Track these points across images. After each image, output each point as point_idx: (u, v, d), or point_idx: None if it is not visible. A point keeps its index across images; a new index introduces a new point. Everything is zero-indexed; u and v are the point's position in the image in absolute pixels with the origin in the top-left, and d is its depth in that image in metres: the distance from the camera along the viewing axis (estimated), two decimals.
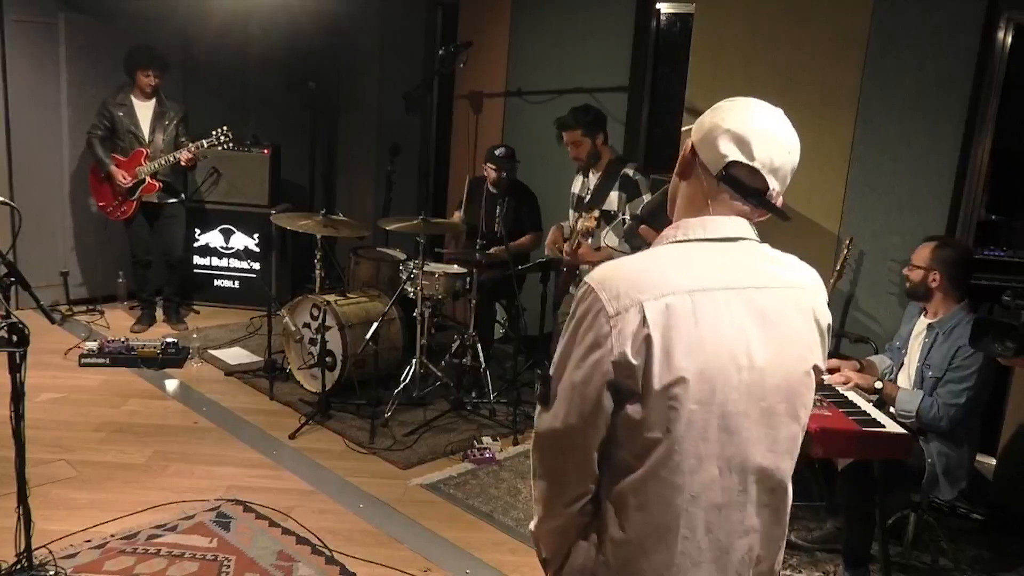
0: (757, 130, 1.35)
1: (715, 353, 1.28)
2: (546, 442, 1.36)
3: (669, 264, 1.33)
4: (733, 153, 1.34)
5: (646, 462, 1.30)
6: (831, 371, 3.25)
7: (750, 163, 1.35)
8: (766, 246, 1.41)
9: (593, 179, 4.45)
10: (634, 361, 1.25)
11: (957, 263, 3.17)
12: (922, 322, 3.29)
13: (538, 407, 1.37)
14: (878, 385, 3.21)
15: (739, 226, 1.38)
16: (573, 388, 1.30)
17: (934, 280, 3.17)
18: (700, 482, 1.31)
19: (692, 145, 1.40)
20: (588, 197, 4.43)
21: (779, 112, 1.40)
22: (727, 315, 1.29)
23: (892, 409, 3.20)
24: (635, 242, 1.71)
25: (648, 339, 1.25)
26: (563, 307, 4.52)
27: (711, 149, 1.36)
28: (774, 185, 1.37)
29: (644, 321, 1.25)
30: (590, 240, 4.38)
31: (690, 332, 1.26)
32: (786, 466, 1.40)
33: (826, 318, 1.42)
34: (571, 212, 4.65)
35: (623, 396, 1.28)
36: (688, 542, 1.32)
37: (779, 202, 1.40)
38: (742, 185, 1.35)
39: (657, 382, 1.26)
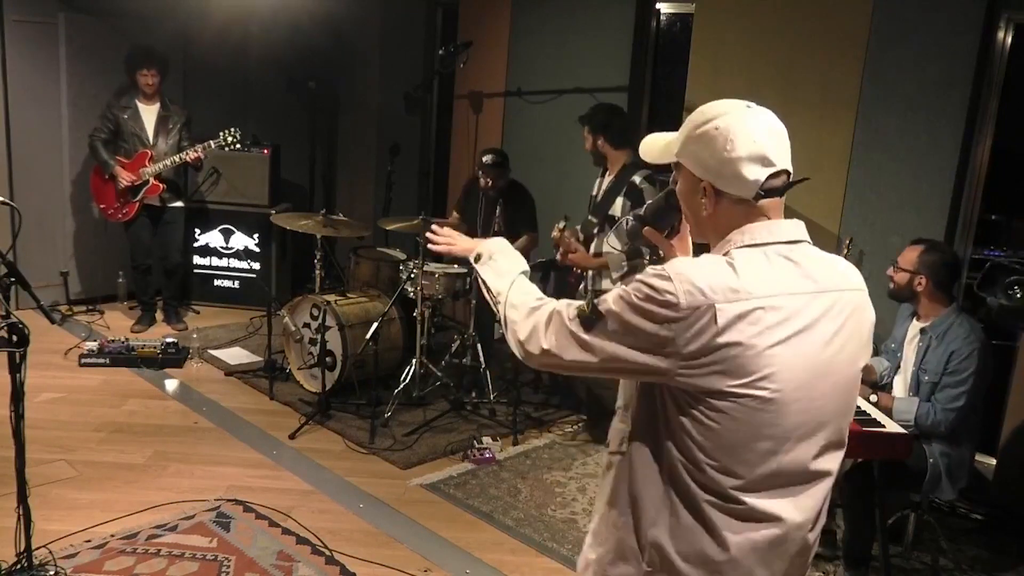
0: (763, 138, 1.38)
1: (792, 357, 1.32)
2: (571, 342, 1.40)
3: (742, 268, 1.35)
4: (760, 173, 1.38)
5: (710, 453, 1.34)
6: None
7: (776, 169, 1.40)
8: (816, 248, 1.46)
9: (606, 181, 4.42)
10: (700, 358, 1.30)
11: (943, 267, 3.15)
12: (915, 326, 3.28)
13: (569, 314, 1.40)
14: (873, 399, 3.20)
15: (797, 228, 1.43)
16: (614, 353, 1.35)
17: (919, 284, 3.16)
18: (761, 474, 1.36)
19: (711, 187, 1.41)
20: (599, 198, 4.40)
21: (754, 105, 1.43)
22: (796, 319, 1.34)
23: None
24: (637, 242, 1.70)
25: (719, 339, 1.29)
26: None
27: (737, 181, 1.39)
28: (790, 167, 1.43)
29: (715, 321, 1.29)
30: (591, 246, 4.35)
31: (761, 338, 1.30)
32: (833, 457, 1.45)
33: (872, 323, 1.49)
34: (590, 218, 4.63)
35: (686, 388, 1.33)
36: (749, 531, 1.38)
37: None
38: (779, 189, 1.41)
39: (736, 378, 1.30)
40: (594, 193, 4.55)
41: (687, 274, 1.31)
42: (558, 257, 4.36)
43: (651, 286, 1.32)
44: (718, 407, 1.31)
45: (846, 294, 1.42)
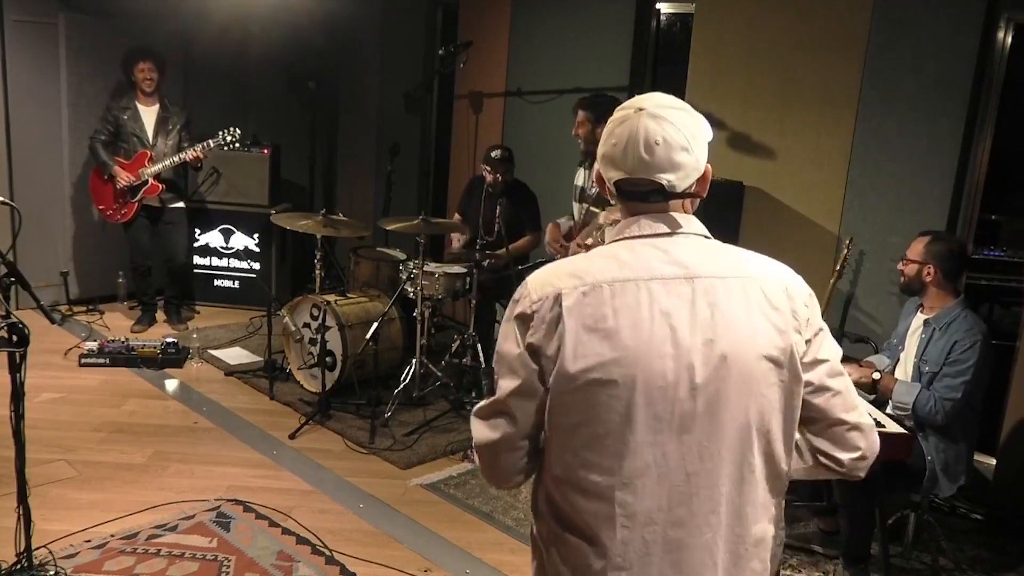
0: (616, 144, 1.40)
1: (633, 340, 1.30)
2: (489, 417, 1.42)
3: (600, 259, 1.39)
4: (613, 174, 1.43)
5: (571, 447, 1.34)
6: None
7: (629, 175, 1.40)
8: (715, 241, 1.43)
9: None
10: (548, 348, 1.32)
11: (950, 257, 3.18)
12: (919, 318, 3.30)
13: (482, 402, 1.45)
14: (876, 376, 3.22)
15: (679, 221, 1.41)
16: (511, 370, 1.37)
17: (928, 274, 3.18)
18: (630, 468, 1.32)
19: (598, 172, 1.49)
20: (593, 189, 4.40)
21: (649, 104, 1.40)
22: (647, 303, 1.32)
23: (889, 407, 3.21)
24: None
25: (562, 325, 1.31)
26: None
27: (603, 175, 1.46)
28: (663, 177, 1.38)
29: (560, 308, 1.32)
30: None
31: (606, 319, 1.31)
32: (738, 463, 1.35)
33: (776, 307, 1.35)
34: (575, 205, 4.59)
35: (547, 383, 1.34)
36: (627, 531, 1.33)
37: (703, 176, 1.42)
38: (636, 193, 1.41)
39: (571, 366, 1.31)
40: (580, 183, 4.56)
41: (539, 274, 1.40)
42: (579, 243, 4.29)
43: (512, 301, 1.40)
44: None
45: (730, 280, 1.35)
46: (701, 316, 1.32)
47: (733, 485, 1.35)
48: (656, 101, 1.41)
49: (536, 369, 1.34)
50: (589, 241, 4.32)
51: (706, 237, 1.42)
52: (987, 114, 3.84)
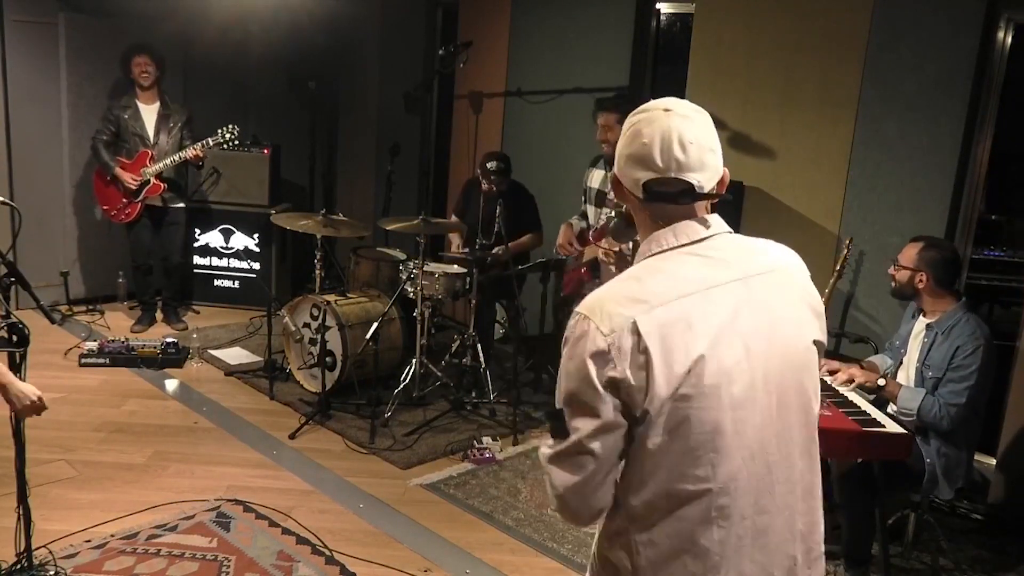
0: (651, 142, 1.38)
1: (711, 352, 1.31)
2: (568, 463, 1.35)
3: (651, 277, 1.37)
4: (643, 174, 1.39)
5: (661, 464, 1.33)
6: (831, 372, 3.25)
7: (660, 175, 1.38)
8: (738, 236, 1.45)
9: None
10: (635, 378, 1.29)
11: (943, 264, 3.16)
12: (921, 322, 3.29)
13: (551, 445, 1.38)
14: (881, 382, 3.20)
15: (707, 224, 1.41)
16: (590, 413, 1.31)
17: (920, 281, 3.17)
18: (725, 474, 1.34)
19: (615, 177, 1.47)
20: (611, 192, 4.36)
21: (674, 111, 1.40)
22: (715, 312, 1.33)
23: (892, 408, 3.21)
24: (623, 239, 1.72)
25: (646, 350, 1.28)
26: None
27: (627, 178, 1.43)
28: (694, 177, 1.38)
29: (639, 334, 1.28)
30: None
31: (685, 336, 1.30)
32: (806, 441, 1.44)
33: (810, 292, 1.47)
34: (590, 208, 4.53)
35: (635, 412, 1.31)
36: (724, 531, 1.35)
37: (722, 179, 1.43)
38: (667, 195, 1.39)
39: (664, 390, 1.29)
40: (596, 186, 4.50)
41: (596, 305, 1.33)
42: (604, 247, 4.23)
43: (574, 339, 1.33)
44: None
45: (770, 274, 1.41)
46: (760, 314, 1.37)
47: (805, 464, 1.43)
48: (679, 103, 1.42)
49: (618, 403, 1.31)
50: (617, 249, 4.24)
51: (731, 232, 1.44)
52: (987, 114, 3.84)
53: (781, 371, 1.38)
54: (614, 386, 1.29)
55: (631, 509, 1.37)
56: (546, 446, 1.39)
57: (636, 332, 1.29)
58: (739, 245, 1.43)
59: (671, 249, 1.39)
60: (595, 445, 1.32)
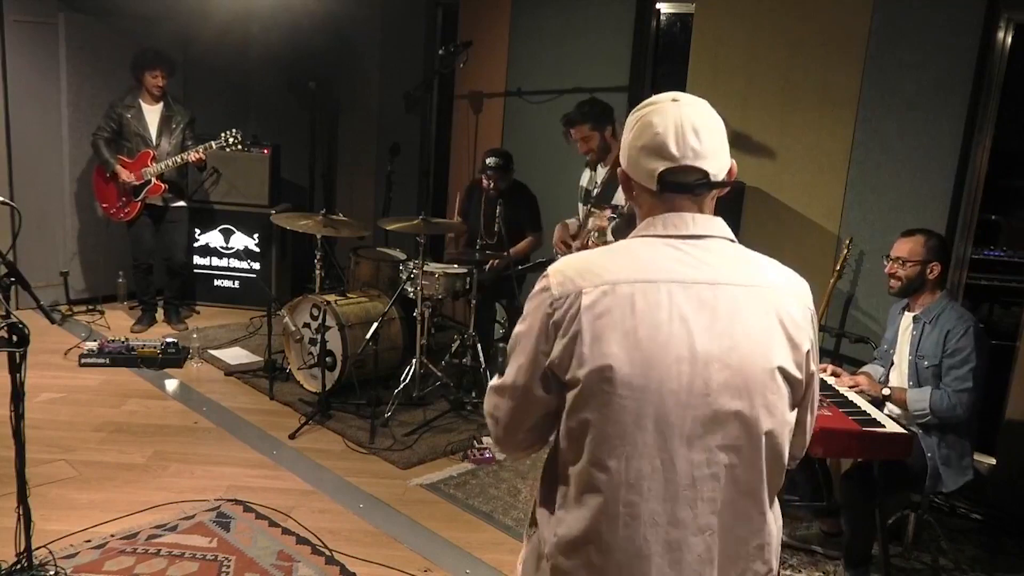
0: (665, 131, 1.37)
1: (649, 342, 1.30)
2: (495, 397, 1.47)
3: (621, 256, 1.38)
4: (658, 164, 1.37)
5: (584, 444, 1.35)
6: (834, 375, 3.28)
7: (677, 164, 1.37)
8: (739, 247, 1.42)
9: (602, 172, 4.36)
10: (565, 346, 1.33)
11: (945, 249, 3.23)
12: (907, 317, 3.30)
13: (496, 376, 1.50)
14: (886, 392, 3.21)
15: (706, 224, 1.39)
16: (520, 364, 1.40)
17: (932, 271, 3.18)
18: (636, 470, 1.32)
19: (623, 172, 1.46)
20: (596, 191, 4.38)
21: (682, 101, 1.41)
22: (667, 306, 1.31)
23: (890, 410, 3.21)
24: (622, 235, 1.74)
25: (579, 323, 1.32)
26: None
27: (639, 170, 1.41)
28: (709, 166, 1.38)
29: (579, 307, 1.32)
30: (609, 238, 4.30)
31: (624, 320, 1.31)
32: (747, 465, 1.35)
33: (794, 320, 1.38)
34: (579, 206, 4.58)
35: (562, 380, 1.36)
36: (630, 529, 1.33)
37: (731, 170, 1.43)
38: (683, 185, 1.38)
39: (587, 365, 1.31)
40: (584, 184, 4.53)
41: (560, 266, 1.39)
42: (577, 247, 4.27)
43: (534, 292, 1.40)
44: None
45: (751, 289, 1.36)
46: (720, 323, 1.33)
47: (737, 489, 1.36)
48: (683, 95, 1.42)
49: (549, 360, 1.36)
50: (576, 244, 4.31)
51: (731, 241, 1.41)
52: (987, 114, 3.84)
53: (730, 388, 1.32)
54: (549, 345, 1.35)
55: (559, 481, 1.42)
56: (494, 378, 1.50)
57: (578, 302, 1.32)
58: (731, 254, 1.39)
59: (654, 236, 1.39)
60: (520, 393, 1.40)
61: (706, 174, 1.38)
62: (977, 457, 3.74)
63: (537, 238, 5.17)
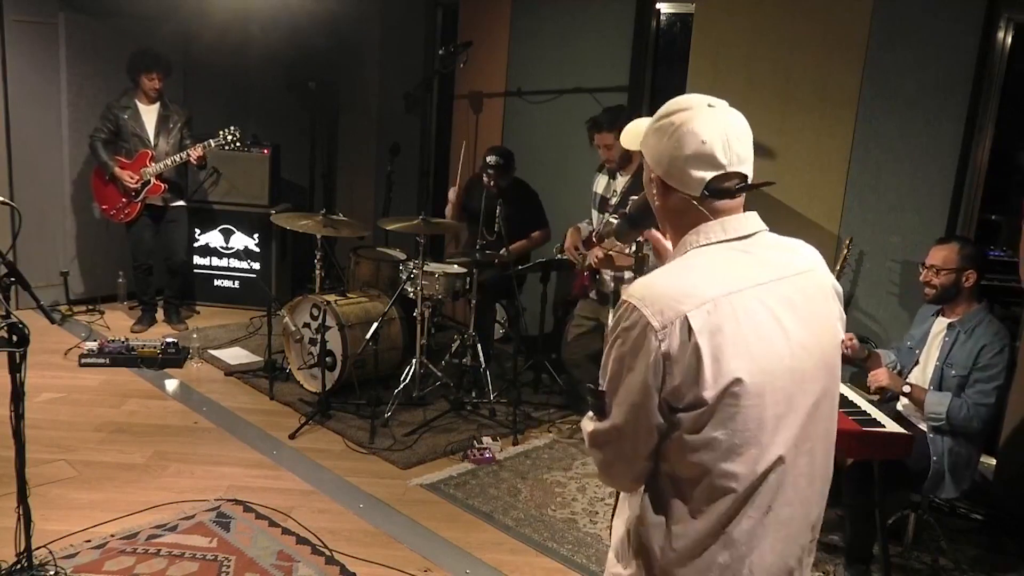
0: (712, 140, 1.38)
1: (760, 348, 1.34)
2: (603, 442, 1.42)
3: (700, 272, 1.38)
4: (706, 173, 1.39)
5: (706, 458, 1.34)
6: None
7: (722, 172, 1.40)
8: (774, 235, 1.48)
9: (622, 181, 4.28)
10: (683, 374, 1.30)
11: (981, 257, 3.21)
12: (941, 322, 3.27)
13: (591, 418, 1.44)
14: (906, 388, 3.19)
15: (752, 221, 1.44)
16: (631, 404, 1.35)
17: (967, 280, 3.16)
18: (763, 469, 1.37)
19: (660, 180, 1.44)
20: (615, 199, 4.33)
21: (717, 107, 1.43)
22: (762, 310, 1.36)
23: (900, 405, 3.21)
24: (627, 240, 1.74)
25: (697, 348, 1.29)
26: (581, 310, 4.46)
27: (683, 179, 1.41)
28: (747, 170, 1.44)
29: (690, 331, 1.30)
30: (628, 249, 4.23)
31: (735, 333, 1.32)
32: (831, 435, 1.49)
33: (838, 290, 1.52)
34: (594, 213, 4.49)
35: (679, 406, 1.33)
36: (753, 521, 1.38)
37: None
38: (728, 190, 1.41)
39: (712, 387, 1.30)
40: (601, 191, 4.46)
41: (645, 294, 1.34)
42: (597, 258, 4.20)
43: (625, 326, 1.34)
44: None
45: (807, 275, 1.46)
46: (799, 313, 1.40)
47: (825, 459, 1.48)
48: (714, 99, 1.44)
49: (660, 395, 1.33)
50: (599, 254, 4.20)
51: (768, 231, 1.46)
52: (987, 114, 3.84)
53: (817, 369, 1.42)
54: (660, 379, 1.32)
55: (671, 498, 1.40)
56: (588, 419, 1.44)
57: (688, 328, 1.29)
58: (777, 244, 1.47)
59: (719, 243, 1.41)
60: (631, 431, 1.37)
61: (745, 177, 1.43)
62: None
63: (545, 233, 5.15)
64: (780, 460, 1.37)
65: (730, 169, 1.40)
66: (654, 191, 1.47)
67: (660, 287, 1.35)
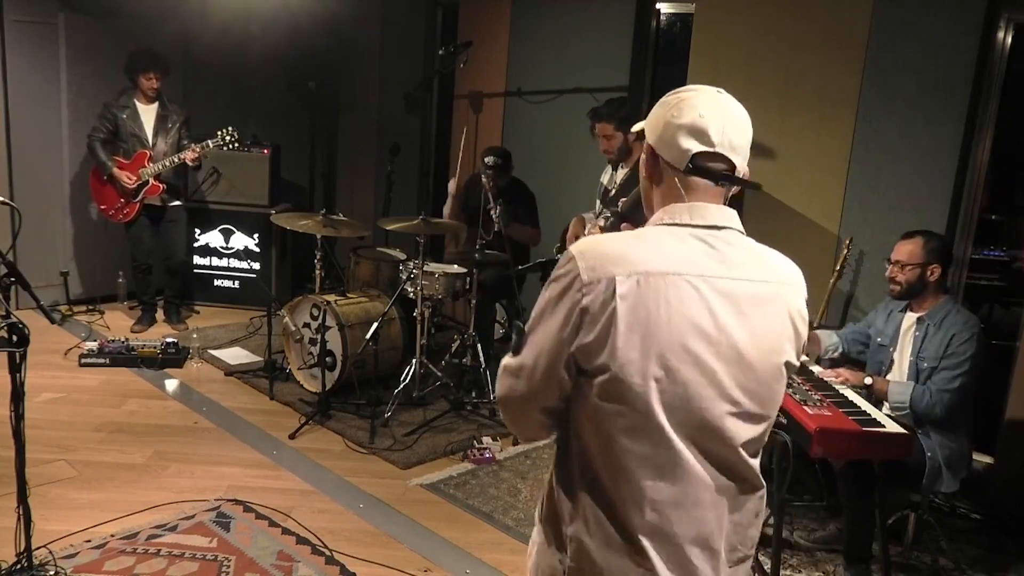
0: (709, 116, 1.39)
1: (681, 335, 1.31)
2: (508, 376, 1.44)
3: (649, 244, 1.37)
4: (694, 146, 1.39)
5: (608, 431, 1.34)
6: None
7: (712, 149, 1.39)
8: (750, 239, 1.44)
9: (621, 173, 4.35)
10: (595, 333, 1.30)
11: (946, 251, 3.23)
12: (910, 317, 3.30)
13: (510, 355, 1.45)
14: (868, 381, 3.23)
15: (725, 215, 1.42)
16: (541, 347, 1.36)
17: (932, 274, 3.18)
18: (665, 457, 1.34)
19: (651, 148, 1.45)
20: (614, 191, 4.37)
21: (724, 94, 1.45)
22: (697, 299, 1.33)
23: (885, 404, 3.22)
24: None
25: (614, 312, 1.29)
26: None
27: (671, 147, 1.41)
28: (738, 162, 1.42)
29: (613, 294, 1.30)
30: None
31: (658, 312, 1.30)
32: (747, 455, 1.41)
33: (803, 316, 1.45)
34: (597, 203, 4.54)
35: (587, 368, 1.33)
36: (657, 516, 1.36)
37: (745, 174, 1.45)
38: (711, 172, 1.40)
39: (619, 357, 1.30)
40: (605, 183, 4.49)
41: (586, 248, 1.35)
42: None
43: (558, 273, 1.36)
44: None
45: (769, 286, 1.39)
46: (742, 316, 1.36)
47: (742, 471, 1.41)
48: (721, 90, 1.44)
49: (572, 346, 1.33)
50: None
51: (742, 233, 1.44)
52: (987, 114, 3.84)
53: (748, 379, 1.36)
54: (574, 332, 1.32)
55: (578, 469, 1.40)
56: (506, 356, 1.45)
57: (613, 290, 1.30)
58: (747, 247, 1.42)
59: (682, 226, 1.39)
60: (533, 373, 1.37)
61: (734, 167, 1.41)
62: (976, 457, 3.74)
63: (536, 232, 5.16)
64: (683, 457, 1.35)
65: (719, 150, 1.39)
66: (644, 163, 1.48)
67: (602, 247, 1.35)
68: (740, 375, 1.36)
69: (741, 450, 1.39)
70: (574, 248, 1.36)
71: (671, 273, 1.32)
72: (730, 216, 1.42)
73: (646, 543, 1.36)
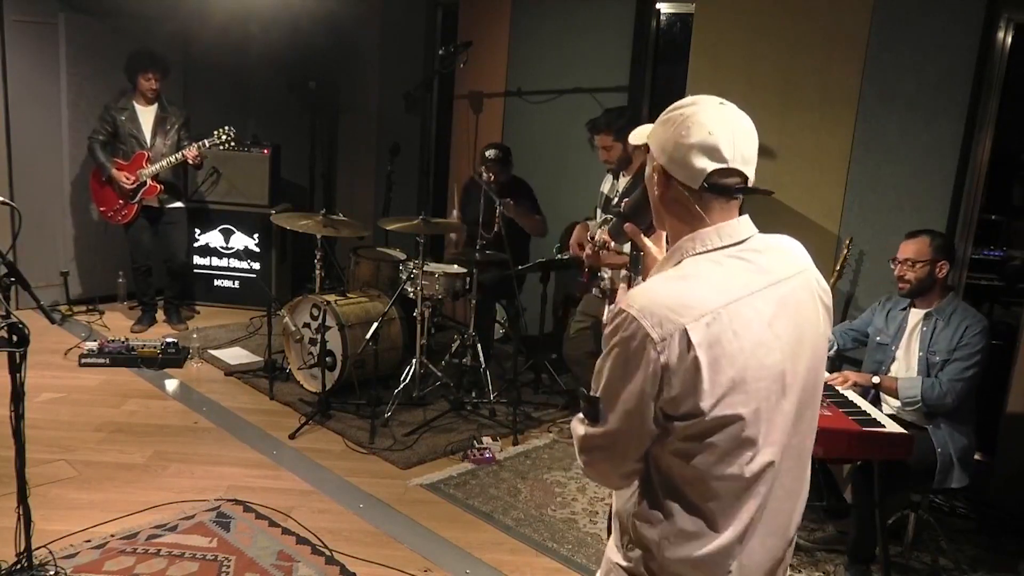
0: (719, 133, 1.39)
1: (755, 356, 1.35)
2: (595, 447, 1.43)
3: (697, 281, 1.38)
4: (707, 164, 1.39)
5: (700, 461, 1.36)
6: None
7: (726, 166, 1.40)
8: (764, 236, 1.49)
9: (623, 181, 4.30)
10: (681, 386, 1.31)
11: (951, 248, 3.28)
12: (916, 313, 3.31)
13: (583, 421, 1.44)
14: (875, 380, 3.24)
15: (745, 226, 1.45)
16: (627, 410, 1.36)
17: (941, 270, 3.21)
18: (759, 467, 1.39)
19: (663, 169, 1.44)
20: (616, 200, 4.34)
21: (728, 104, 1.45)
22: (756, 317, 1.37)
23: (884, 403, 3.21)
24: (620, 240, 1.75)
25: (696, 360, 1.30)
26: (584, 307, 4.46)
27: (684, 167, 1.41)
28: (750, 172, 1.44)
29: (689, 344, 1.30)
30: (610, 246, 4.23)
31: (732, 343, 1.33)
32: (815, 431, 1.52)
33: (825, 290, 1.53)
34: (598, 212, 4.53)
35: (675, 415, 1.34)
36: (744, 520, 1.41)
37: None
38: (727, 188, 1.42)
39: (709, 396, 1.31)
40: (606, 191, 4.46)
41: (643, 305, 1.33)
42: (587, 254, 4.21)
43: (623, 337, 1.34)
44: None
45: (797, 277, 1.46)
46: (790, 316, 1.41)
47: (808, 457, 1.52)
48: (724, 100, 1.45)
49: (656, 404, 1.34)
50: (588, 251, 4.21)
51: (757, 231, 1.48)
52: (987, 114, 3.84)
53: (807, 372, 1.44)
54: (657, 389, 1.32)
55: (666, 498, 1.41)
56: (578, 421, 1.45)
57: (687, 340, 1.30)
58: (769, 247, 1.47)
59: (716, 250, 1.41)
60: (624, 437, 1.38)
61: (746, 179, 1.43)
62: (976, 456, 3.74)
63: (543, 219, 5.11)
64: (771, 463, 1.40)
65: (733, 165, 1.40)
66: (655, 182, 1.47)
67: (658, 298, 1.34)
68: (801, 370, 1.42)
69: (807, 439, 1.49)
70: (631, 307, 1.34)
71: (730, 303, 1.35)
72: (748, 224, 1.46)
73: (736, 551, 1.41)
